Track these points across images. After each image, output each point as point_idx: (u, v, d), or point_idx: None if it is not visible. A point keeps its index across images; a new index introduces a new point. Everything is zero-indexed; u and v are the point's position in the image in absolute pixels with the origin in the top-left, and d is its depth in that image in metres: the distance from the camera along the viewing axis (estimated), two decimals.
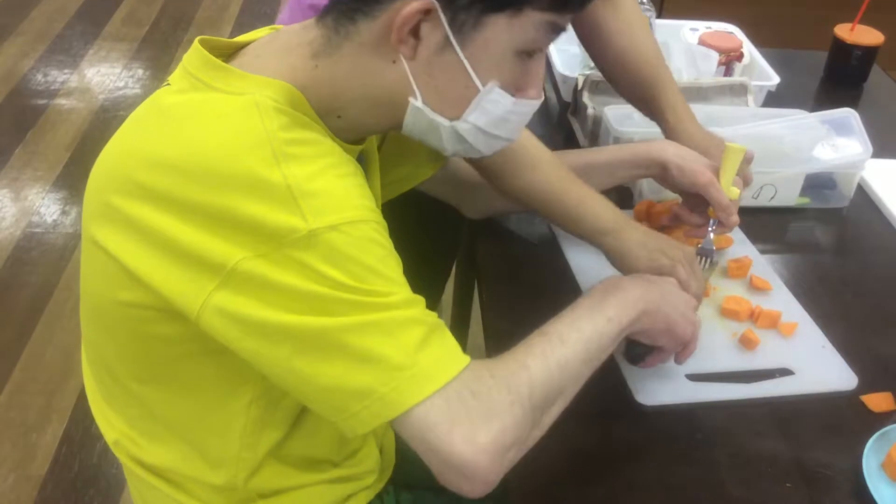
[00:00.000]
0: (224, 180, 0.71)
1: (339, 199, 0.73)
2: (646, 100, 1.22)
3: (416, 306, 0.73)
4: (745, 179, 1.13)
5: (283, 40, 0.82)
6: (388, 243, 0.75)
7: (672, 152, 1.11)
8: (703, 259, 1.11)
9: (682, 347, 0.94)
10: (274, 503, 0.94)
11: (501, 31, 0.76)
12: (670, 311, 0.89)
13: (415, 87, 0.79)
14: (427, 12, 0.75)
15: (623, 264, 1.04)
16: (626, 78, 1.24)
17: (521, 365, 0.75)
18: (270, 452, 0.90)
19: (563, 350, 0.77)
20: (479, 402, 0.70)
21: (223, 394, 0.85)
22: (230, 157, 0.72)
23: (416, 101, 0.80)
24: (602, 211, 1.06)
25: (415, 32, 0.76)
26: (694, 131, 1.18)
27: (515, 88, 0.82)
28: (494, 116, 0.82)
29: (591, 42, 1.27)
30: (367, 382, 0.69)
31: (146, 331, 0.81)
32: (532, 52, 0.80)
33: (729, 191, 1.07)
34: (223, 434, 0.88)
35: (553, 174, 1.08)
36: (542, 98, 0.85)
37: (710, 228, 1.10)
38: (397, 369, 0.69)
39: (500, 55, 0.78)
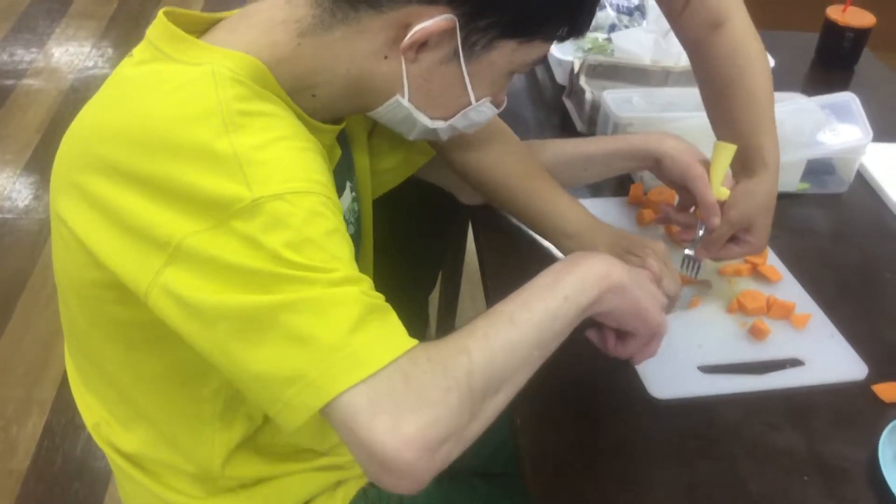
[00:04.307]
0: (173, 149, 0.69)
1: (287, 169, 0.70)
2: (741, 147, 1.07)
3: (359, 284, 0.67)
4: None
5: (266, 15, 0.80)
6: (335, 219, 0.71)
7: (670, 144, 1.09)
8: (691, 263, 1.08)
9: (650, 339, 0.84)
10: (256, 492, 0.93)
11: (507, 55, 0.79)
12: (639, 293, 0.80)
13: (405, 87, 0.80)
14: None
15: None
16: (725, 115, 1.10)
17: (461, 348, 0.67)
18: (245, 442, 0.89)
19: (509, 332, 0.70)
20: (410, 388, 0.63)
21: (189, 380, 0.83)
22: (180, 126, 0.70)
23: (403, 100, 0.81)
24: (568, 212, 1.03)
25: (424, 40, 0.76)
26: (760, 201, 1.07)
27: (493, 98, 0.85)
28: (473, 122, 0.86)
29: (697, 67, 1.14)
30: (297, 366, 0.64)
31: (108, 312, 0.79)
32: (519, 72, 0.84)
33: (718, 191, 1.05)
34: (193, 420, 0.86)
35: (510, 161, 1.06)
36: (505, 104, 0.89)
37: (699, 231, 1.08)
38: (328, 351, 0.63)
39: (498, 75, 0.82)
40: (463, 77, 0.79)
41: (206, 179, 0.67)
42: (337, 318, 0.64)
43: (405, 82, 0.79)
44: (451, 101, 0.82)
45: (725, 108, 1.10)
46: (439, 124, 0.84)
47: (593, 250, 1.00)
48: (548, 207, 1.04)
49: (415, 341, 0.67)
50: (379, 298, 0.69)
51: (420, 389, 0.64)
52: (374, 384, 0.63)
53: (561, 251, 1.03)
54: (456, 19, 0.75)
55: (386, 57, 0.78)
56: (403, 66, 0.78)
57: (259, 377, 0.66)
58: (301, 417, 0.65)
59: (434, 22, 0.74)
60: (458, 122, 0.85)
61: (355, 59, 0.78)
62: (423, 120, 0.83)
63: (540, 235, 1.05)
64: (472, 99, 0.82)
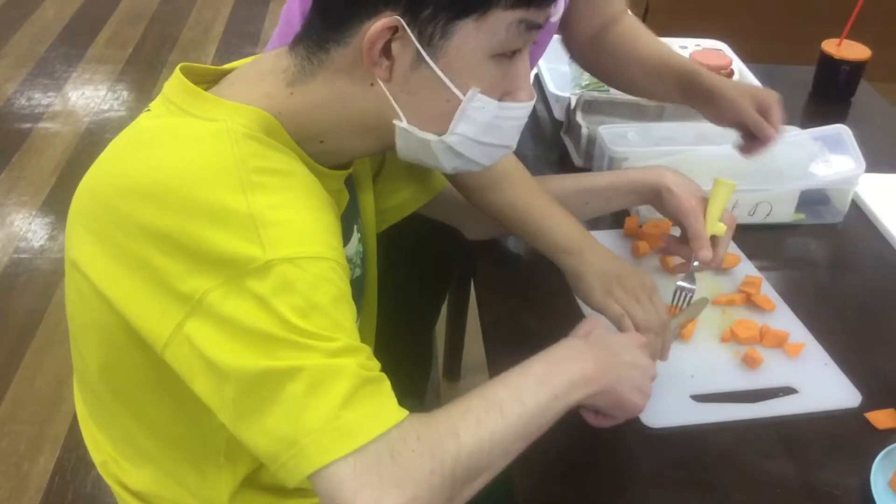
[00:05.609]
0: (190, 207, 0.71)
1: (299, 232, 0.72)
2: (686, 91, 1.24)
3: (356, 355, 0.70)
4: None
5: (259, 67, 0.83)
6: (343, 285, 0.73)
7: (668, 178, 1.10)
8: (681, 295, 1.08)
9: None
10: None
11: (471, 37, 0.76)
12: (625, 391, 0.85)
13: (397, 109, 0.79)
14: (394, 30, 0.75)
15: (578, 287, 1.03)
16: (662, 81, 1.28)
17: (452, 432, 0.70)
18: (250, 478, 0.90)
19: (499, 423, 0.72)
20: (396, 465, 0.66)
21: (195, 418, 0.84)
22: (197, 184, 0.72)
23: (402, 123, 0.80)
24: (566, 229, 1.05)
25: (386, 53, 0.76)
26: (738, 85, 1.23)
27: (503, 93, 0.81)
28: (482, 124, 0.81)
29: (607, 64, 1.33)
30: (292, 433, 0.67)
31: (119, 353, 0.81)
32: (511, 54, 0.79)
33: (715, 226, 1.06)
34: (199, 458, 0.88)
35: (520, 186, 1.07)
36: (534, 99, 0.83)
37: (693, 264, 1.08)
38: (321, 422, 0.66)
39: (476, 61, 0.77)
40: (438, 76, 0.77)
41: (223, 238, 0.69)
42: (331, 391, 0.67)
43: (395, 104, 0.79)
44: (442, 105, 0.79)
45: (657, 79, 1.28)
46: (449, 138, 0.81)
47: (583, 273, 1.02)
48: (547, 224, 1.06)
49: (405, 413, 0.69)
50: (374, 369, 0.71)
51: (405, 467, 0.66)
52: (362, 458, 0.66)
53: (560, 267, 1.05)
54: (400, 18, 0.74)
55: (371, 85, 0.78)
56: (385, 88, 0.78)
57: (261, 435, 0.69)
58: (296, 478, 0.68)
59: (380, 24, 0.74)
60: (465, 128, 0.80)
61: (346, 99, 0.80)
62: (431, 138, 0.81)
63: (540, 251, 1.07)
64: (459, 95, 0.78)
